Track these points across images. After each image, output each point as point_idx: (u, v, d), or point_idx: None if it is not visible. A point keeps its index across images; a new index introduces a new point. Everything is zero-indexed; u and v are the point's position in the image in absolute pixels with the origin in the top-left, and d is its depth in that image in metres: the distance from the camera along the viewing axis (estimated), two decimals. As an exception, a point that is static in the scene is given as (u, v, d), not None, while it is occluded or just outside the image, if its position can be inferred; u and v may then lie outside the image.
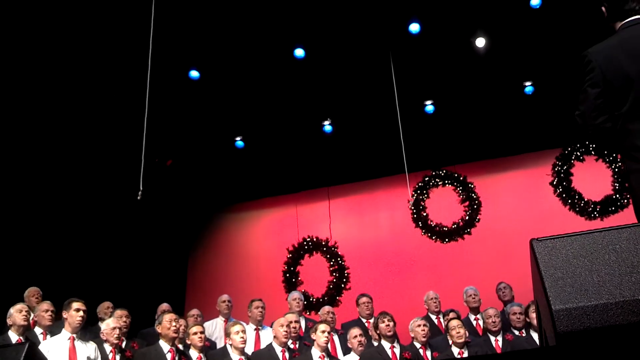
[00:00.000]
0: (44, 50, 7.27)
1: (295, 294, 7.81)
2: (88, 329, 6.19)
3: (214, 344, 7.08)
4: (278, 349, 6.16)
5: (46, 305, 6.20)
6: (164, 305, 7.50)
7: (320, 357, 6.01)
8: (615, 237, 2.39)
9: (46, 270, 7.83)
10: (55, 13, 6.84)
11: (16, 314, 5.83)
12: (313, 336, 6.19)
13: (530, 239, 2.62)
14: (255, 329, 7.12)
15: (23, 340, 5.70)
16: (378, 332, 6.44)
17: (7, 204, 7.81)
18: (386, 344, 6.30)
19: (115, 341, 5.66)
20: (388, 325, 6.34)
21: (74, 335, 5.53)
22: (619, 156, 9.12)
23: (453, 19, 7.78)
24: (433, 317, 7.45)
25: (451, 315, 7.10)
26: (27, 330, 5.95)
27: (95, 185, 8.96)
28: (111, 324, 5.68)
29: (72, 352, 5.44)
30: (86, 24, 7.10)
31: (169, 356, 5.66)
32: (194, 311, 7.47)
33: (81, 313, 5.59)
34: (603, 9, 2.91)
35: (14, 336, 5.77)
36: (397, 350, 6.26)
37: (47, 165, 8.31)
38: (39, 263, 7.92)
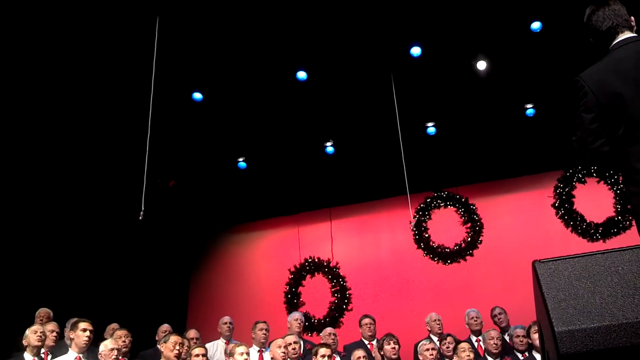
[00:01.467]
0: (49, 71, 7.33)
1: (296, 315, 7.77)
2: (90, 350, 6.17)
3: (213, 365, 7.05)
4: (276, 370, 6.15)
5: (52, 325, 6.23)
6: (165, 326, 7.47)
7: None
8: (617, 259, 2.39)
9: (48, 291, 7.81)
10: (60, 34, 6.91)
11: (31, 335, 5.85)
12: None
13: (532, 261, 2.62)
14: (258, 351, 7.09)
15: None
16: (382, 353, 6.41)
17: (10, 224, 7.82)
18: (390, 366, 6.30)
19: (113, 363, 5.62)
20: (394, 348, 6.33)
21: (81, 356, 5.55)
22: (620, 178, 9.16)
23: (454, 42, 7.84)
24: (435, 339, 7.38)
25: (449, 340, 7.02)
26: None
27: (97, 205, 8.97)
28: (109, 345, 5.62)
29: (78, 372, 5.44)
30: (90, 46, 7.17)
31: (168, 378, 5.62)
32: (193, 333, 7.41)
33: (87, 333, 5.61)
34: (591, 40, 2.94)
35: (29, 357, 5.81)
36: (400, 373, 6.24)
37: (50, 185, 8.32)
38: (41, 283, 7.91)
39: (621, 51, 2.73)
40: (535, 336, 6.18)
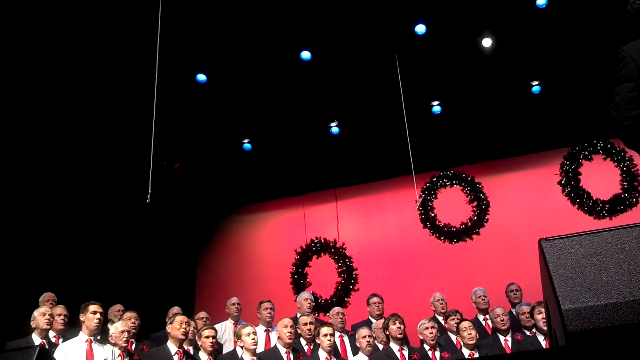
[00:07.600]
0: (53, 54, 7.31)
1: (305, 294, 7.76)
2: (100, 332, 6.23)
3: (221, 346, 7.09)
4: (282, 350, 6.15)
5: (60, 309, 6.28)
6: (175, 309, 7.51)
7: (326, 358, 6.00)
8: (624, 236, 2.38)
9: (56, 274, 7.87)
10: (64, 17, 6.88)
11: (39, 317, 5.92)
12: (317, 340, 6.17)
13: (539, 239, 2.62)
14: (265, 331, 7.12)
15: (45, 343, 5.77)
16: (387, 333, 6.40)
17: (17, 209, 7.86)
18: (395, 346, 6.27)
19: (124, 344, 5.64)
20: (399, 327, 6.30)
21: (91, 338, 5.59)
22: (627, 155, 9.12)
23: (459, 20, 7.78)
24: (440, 318, 7.40)
25: (457, 317, 7.06)
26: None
27: (104, 188, 9.00)
28: (120, 328, 5.67)
29: (90, 354, 5.48)
30: (94, 28, 7.15)
31: (175, 358, 5.65)
32: (203, 314, 7.46)
33: (98, 315, 5.65)
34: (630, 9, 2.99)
35: (37, 339, 5.85)
36: (405, 353, 6.24)
37: (57, 169, 8.35)
38: (49, 267, 7.96)
39: None
40: (539, 317, 6.19)
